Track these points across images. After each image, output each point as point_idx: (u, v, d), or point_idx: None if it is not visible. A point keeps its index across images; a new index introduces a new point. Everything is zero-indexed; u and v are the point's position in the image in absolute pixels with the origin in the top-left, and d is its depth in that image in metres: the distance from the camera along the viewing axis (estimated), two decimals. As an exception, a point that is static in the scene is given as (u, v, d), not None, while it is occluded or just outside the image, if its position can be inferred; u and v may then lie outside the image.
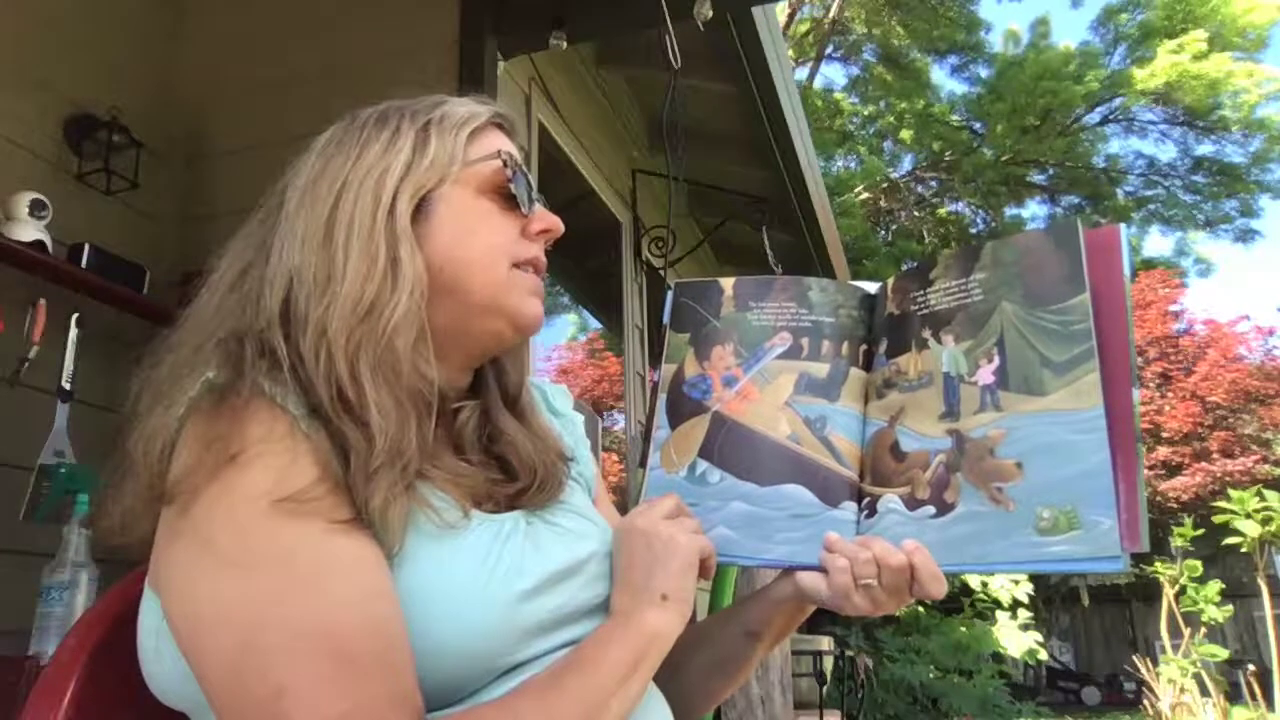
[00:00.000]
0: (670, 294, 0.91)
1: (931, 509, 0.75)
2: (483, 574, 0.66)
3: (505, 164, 0.78)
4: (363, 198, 0.72)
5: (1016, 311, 0.75)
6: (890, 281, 0.85)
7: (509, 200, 0.78)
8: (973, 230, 17.71)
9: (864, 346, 0.85)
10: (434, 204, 0.74)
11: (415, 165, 0.74)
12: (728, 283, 0.89)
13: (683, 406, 0.86)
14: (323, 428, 0.64)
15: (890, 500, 0.77)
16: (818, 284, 0.86)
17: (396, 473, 0.65)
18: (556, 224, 0.81)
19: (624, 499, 4.08)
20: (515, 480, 0.77)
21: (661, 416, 0.87)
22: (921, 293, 0.81)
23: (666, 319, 0.91)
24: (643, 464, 0.87)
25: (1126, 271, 0.72)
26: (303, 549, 0.61)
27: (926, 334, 0.80)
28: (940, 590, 0.73)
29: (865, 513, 0.79)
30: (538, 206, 0.81)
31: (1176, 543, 5.96)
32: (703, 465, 0.84)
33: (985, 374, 0.75)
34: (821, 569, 0.77)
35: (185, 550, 0.62)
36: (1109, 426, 0.68)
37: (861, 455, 0.81)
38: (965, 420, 0.75)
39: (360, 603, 0.60)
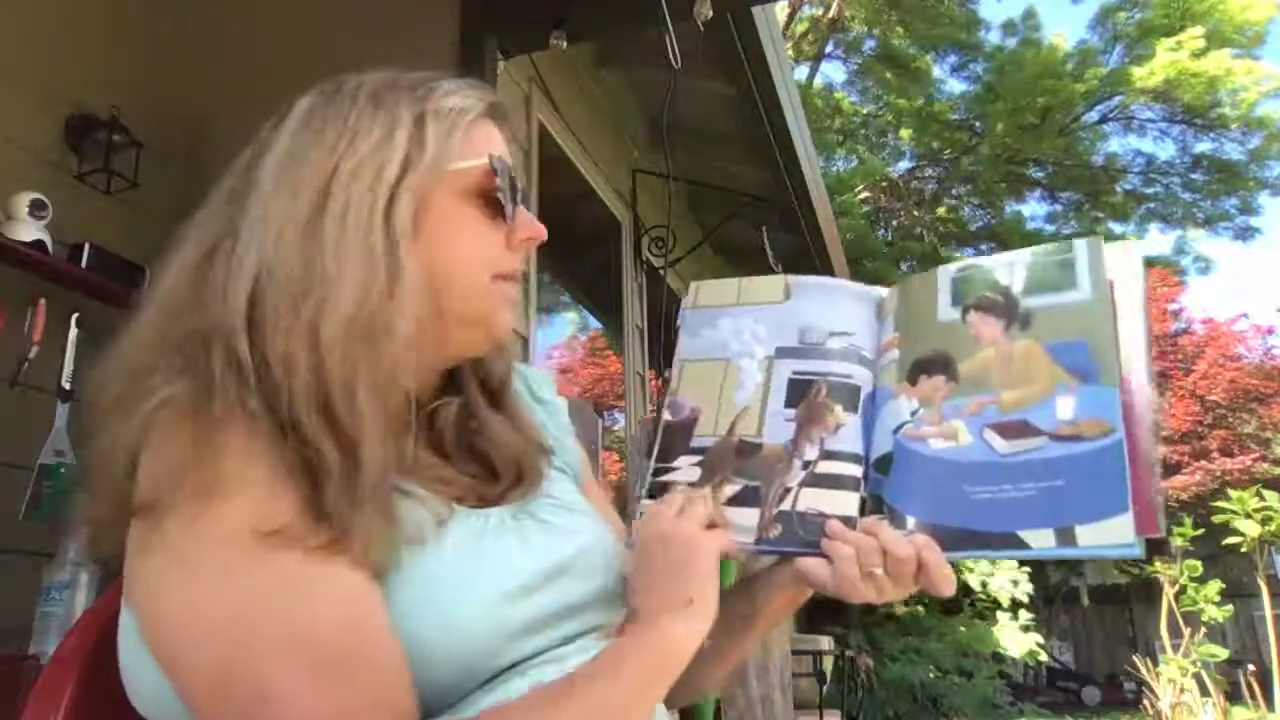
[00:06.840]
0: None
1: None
2: (462, 570, 0.64)
3: (495, 171, 0.72)
4: (357, 192, 0.65)
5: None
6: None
7: (494, 207, 0.73)
8: (972, 228, 17.70)
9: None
10: (423, 208, 0.68)
11: (414, 162, 0.68)
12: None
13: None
14: (294, 446, 0.60)
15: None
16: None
17: (383, 492, 0.62)
18: (540, 232, 0.76)
19: (624, 498, 4.08)
20: (498, 479, 0.74)
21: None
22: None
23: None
24: (648, 455, 0.83)
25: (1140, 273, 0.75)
26: (285, 569, 0.58)
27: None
28: (949, 590, 0.70)
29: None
30: (522, 212, 0.75)
31: (1176, 542, 5.95)
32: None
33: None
34: (823, 555, 0.73)
35: (161, 565, 0.59)
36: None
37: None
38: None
39: (343, 613, 0.58)
